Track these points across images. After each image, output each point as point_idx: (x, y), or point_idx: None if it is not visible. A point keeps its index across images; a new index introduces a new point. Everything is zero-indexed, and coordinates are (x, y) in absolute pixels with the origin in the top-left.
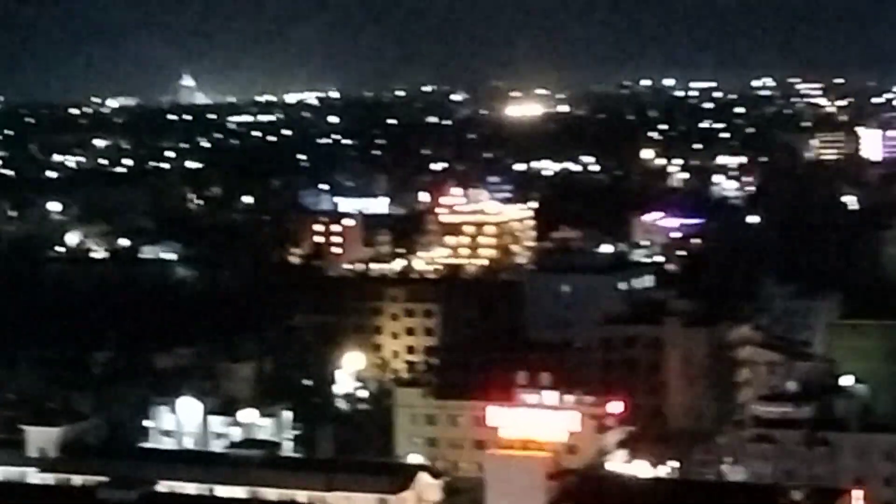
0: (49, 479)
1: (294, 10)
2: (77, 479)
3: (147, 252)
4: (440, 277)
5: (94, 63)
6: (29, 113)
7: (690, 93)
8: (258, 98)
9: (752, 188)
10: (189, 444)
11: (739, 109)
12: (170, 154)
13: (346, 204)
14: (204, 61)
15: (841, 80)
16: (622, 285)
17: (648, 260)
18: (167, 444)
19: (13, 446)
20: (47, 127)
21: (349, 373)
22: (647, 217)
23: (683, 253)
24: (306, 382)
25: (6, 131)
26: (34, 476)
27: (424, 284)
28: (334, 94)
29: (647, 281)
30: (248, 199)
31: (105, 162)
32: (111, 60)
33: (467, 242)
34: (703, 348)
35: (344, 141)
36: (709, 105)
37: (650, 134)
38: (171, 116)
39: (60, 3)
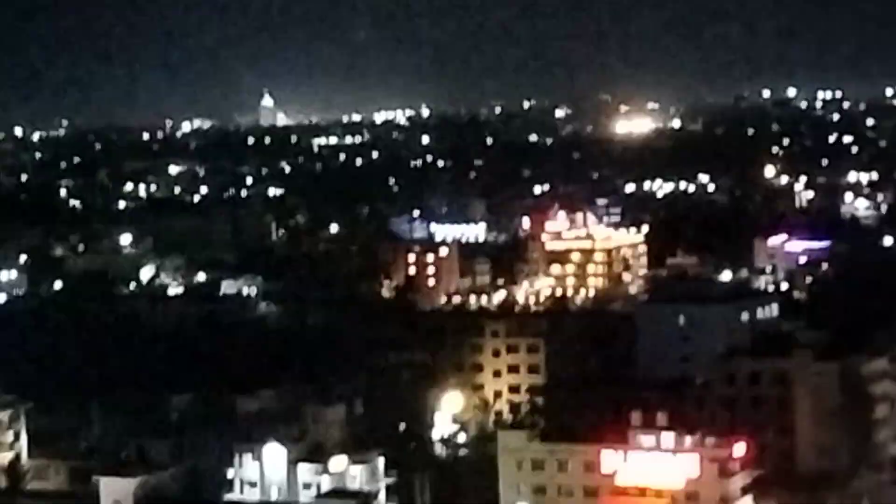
0: None
1: (379, 24)
2: None
3: (227, 287)
4: (545, 310)
5: (167, 84)
6: (97, 139)
7: (816, 104)
8: (343, 118)
9: (885, 207)
10: (275, 494)
11: (870, 121)
12: (249, 180)
13: (441, 231)
14: (285, 80)
15: None
16: (744, 316)
17: (773, 287)
18: (251, 494)
19: (87, 499)
20: (117, 153)
21: (447, 415)
22: (771, 240)
23: (811, 279)
24: (401, 426)
25: (74, 158)
26: None
27: (528, 318)
28: (426, 113)
29: (772, 310)
30: (334, 228)
31: (180, 190)
32: (185, 81)
33: (574, 271)
34: (836, 383)
35: (437, 163)
36: (836, 117)
37: (772, 149)
38: (250, 139)
39: (129, 22)
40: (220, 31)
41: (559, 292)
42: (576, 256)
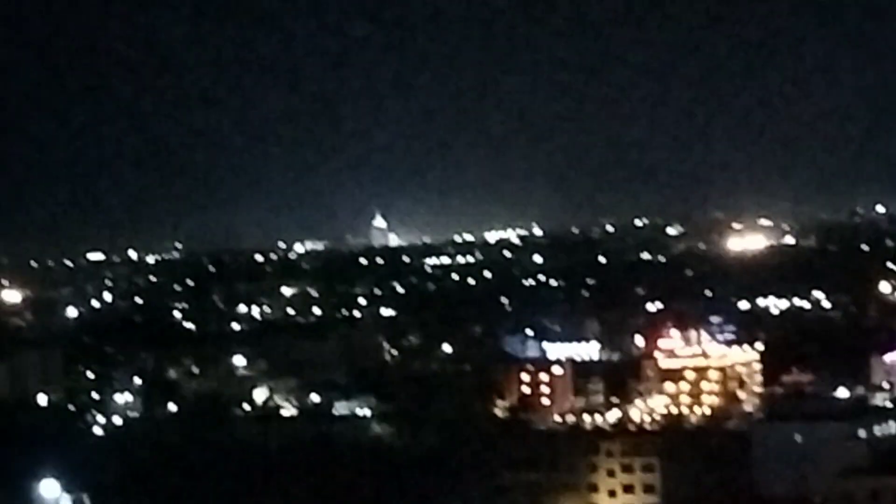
0: None
1: (492, 143)
2: None
3: (340, 408)
4: (660, 429)
5: (280, 206)
6: (211, 261)
7: None
8: (455, 238)
9: None
10: None
11: None
12: (362, 301)
13: (554, 350)
14: (397, 201)
15: None
16: (862, 433)
17: (891, 404)
18: None
19: None
20: (231, 275)
21: None
22: (888, 357)
23: None
24: None
25: (187, 281)
26: None
27: (643, 437)
28: (538, 232)
29: (891, 427)
30: (447, 348)
31: (293, 311)
32: (297, 202)
33: (688, 389)
34: None
35: (550, 282)
36: None
37: (887, 264)
38: (362, 260)
39: (239, 143)
40: (332, 152)
41: (674, 411)
42: (690, 374)
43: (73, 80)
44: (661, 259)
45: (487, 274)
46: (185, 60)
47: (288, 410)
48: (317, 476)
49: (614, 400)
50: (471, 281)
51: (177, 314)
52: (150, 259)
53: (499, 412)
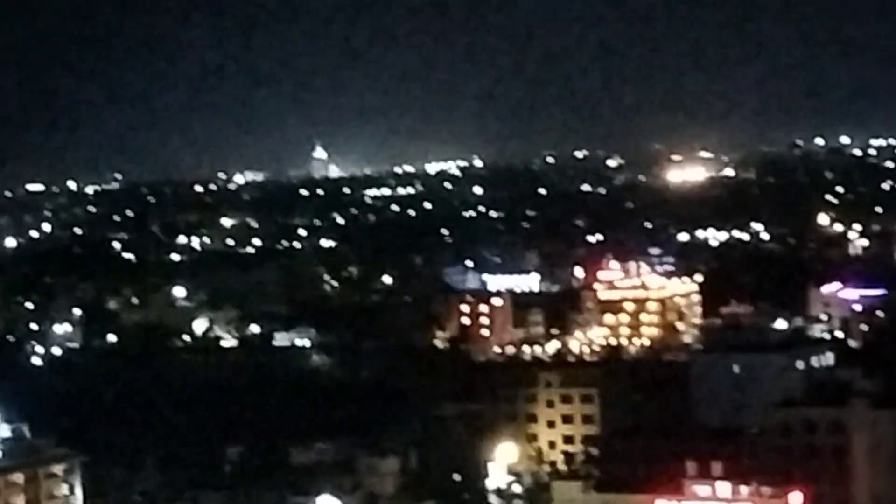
0: None
1: (432, 75)
2: None
3: (280, 339)
4: (599, 360)
5: (221, 137)
6: (150, 192)
7: (869, 151)
8: (396, 170)
9: None
10: None
11: None
12: (302, 232)
13: (494, 282)
14: (337, 132)
15: None
16: (800, 364)
17: (828, 336)
18: None
19: None
20: (170, 206)
21: (502, 466)
22: (825, 289)
23: (866, 327)
24: (455, 477)
25: (126, 212)
26: None
27: (582, 368)
28: (478, 164)
29: (828, 359)
30: (387, 279)
31: (233, 242)
32: (238, 133)
33: (628, 321)
34: (893, 431)
35: (490, 213)
36: (890, 164)
37: (826, 197)
38: (302, 191)
39: (180, 75)
40: (272, 83)
41: (613, 342)
42: (629, 306)
43: (8, 6)
44: (602, 191)
45: (428, 205)
46: None
47: (228, 341)
48: (256, 407)
49: (554, 331)
50: (411, 212)
51: (116, 245)
52: (90, 190)
53: (439, 343)
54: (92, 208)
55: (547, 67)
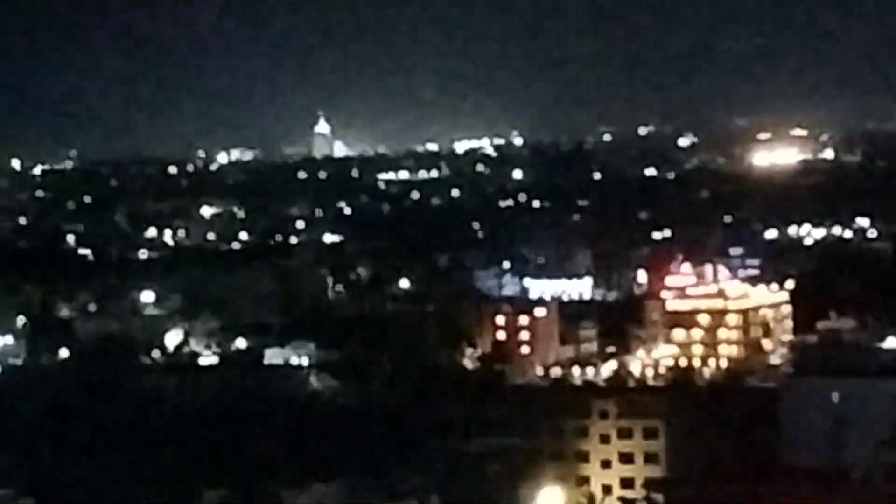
0: None
1: (461, 31)
2: None
3: (272, 356)
4: (666, 385)
5: (200, 106)
6: (114, 173)
7: None
8: (416, 148)
9: None
10: None
11: None
12: (300, 225)
13: (537, 288)
14: (344, 101)
15: None
16: None
17: None
18: None
19: None
20: (137, 191)
21: None
22: None
23: None
24: None
25: (84, 198)
26: None
27: (645, 395)
28: (518, 142)
29: None
30: (405, 284)
31: (214, 237)
32: (221, 102)
33: (702, 337)
34: None
35: (533, 203)
36: None
37: None
38: (301, 174)
39: (153, 31)
40: (264, 43)
41: (683, 363)
42: (704, 319)
43: None
44: (671, 176)
45: (455, 192)
46: None
47: (207, 358)
48: (241, 441)
49: (610, 349)
50: (435, 201)
51: (70, 238)
52: (37, 170)
53: (468, 363)
54: (40, 193)
55: (604, 22)
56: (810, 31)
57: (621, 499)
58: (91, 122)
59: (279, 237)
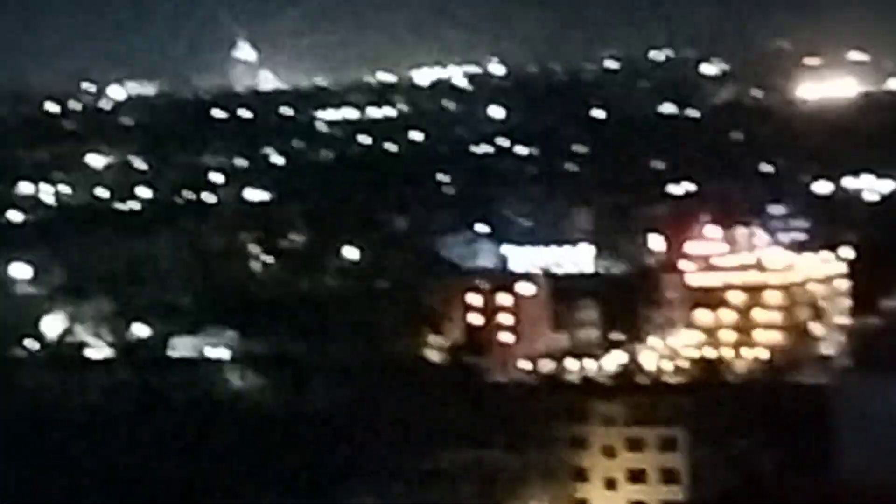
0: None
1: None
2: None
3: (181, 346)
4: (687, 383)
5: (86, 28)
6: None
7: None
8: (365, 79)
9: None
10: None
11: None
12: (217, 178)
13: (521, 257)
14: (272, 19)
15: None
16: None
17: None
18: None
19: None
20: (7, 136)
21: None
22: None
23: None
24: None
25: None
26: None
27: (661, 395)
28: (497, 70)
29: None
30: (351, 253)
31: (107, 194)
32: (113, 22)
33: (734, 321)
34: None
35: (516, 149)
36: None
37: None
38: (217, 113)
39: None
40: None
41: (710, 355)
42: (736, 297)
43: None
44: (693, 114)
45: (417, 136)
46: None
47: (97, 350)
48: (141, 454)
49: (616, 337)
50: (390, 147)
51: None
52: None
53: (433, 355)
54: None
55: None
56: None
57: None
58: None
59: (189, 194)
